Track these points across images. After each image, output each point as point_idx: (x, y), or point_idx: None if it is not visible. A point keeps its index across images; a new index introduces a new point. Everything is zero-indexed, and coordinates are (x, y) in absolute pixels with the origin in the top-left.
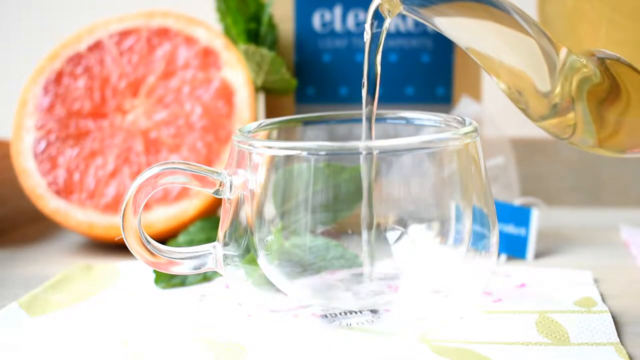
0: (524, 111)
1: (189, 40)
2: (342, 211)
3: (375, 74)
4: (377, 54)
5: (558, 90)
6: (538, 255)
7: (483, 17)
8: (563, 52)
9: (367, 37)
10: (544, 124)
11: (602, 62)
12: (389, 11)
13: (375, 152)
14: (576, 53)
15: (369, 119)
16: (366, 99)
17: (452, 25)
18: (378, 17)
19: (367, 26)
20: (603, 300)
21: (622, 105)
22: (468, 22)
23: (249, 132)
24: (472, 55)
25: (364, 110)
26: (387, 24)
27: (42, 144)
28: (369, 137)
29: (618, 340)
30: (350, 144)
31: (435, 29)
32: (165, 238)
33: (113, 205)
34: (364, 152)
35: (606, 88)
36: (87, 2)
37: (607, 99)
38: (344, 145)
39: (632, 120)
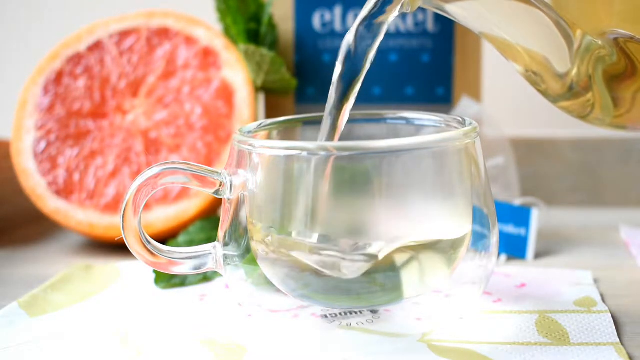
0: (542, 93)
1: (189, 40)
2: None
3: (361, 72)
4: (371, 49)
5: (575, 71)
6: (538, 255)
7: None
8: (579, 33)
9: (352, 32)
10: (563, 104)
11: (617, 42)
12: (409, 4)
13: (333, 154)
14: (591, 34)
15: (332, 116)
16: (339, 97)
17: (468, 12)
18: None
19: (364, 13)
20: (603, 300)
21: (637, 82)
22: (484, 6)
23: (249, 132)
24: (488, 40)
25: (328, 108)
26: (392, 18)
27: (42, 144)
28: (332, 137)
29: (618, 340)
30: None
31: (450, 17)
32: (165, 238)
33: (113, 205)
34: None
35: (622, 67)
36: (87, 2)
37: (623, 77)
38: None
39: None
